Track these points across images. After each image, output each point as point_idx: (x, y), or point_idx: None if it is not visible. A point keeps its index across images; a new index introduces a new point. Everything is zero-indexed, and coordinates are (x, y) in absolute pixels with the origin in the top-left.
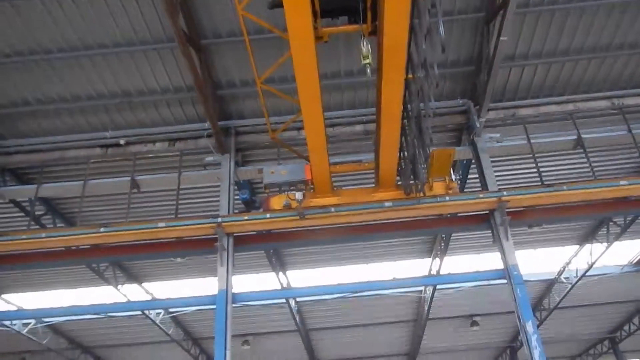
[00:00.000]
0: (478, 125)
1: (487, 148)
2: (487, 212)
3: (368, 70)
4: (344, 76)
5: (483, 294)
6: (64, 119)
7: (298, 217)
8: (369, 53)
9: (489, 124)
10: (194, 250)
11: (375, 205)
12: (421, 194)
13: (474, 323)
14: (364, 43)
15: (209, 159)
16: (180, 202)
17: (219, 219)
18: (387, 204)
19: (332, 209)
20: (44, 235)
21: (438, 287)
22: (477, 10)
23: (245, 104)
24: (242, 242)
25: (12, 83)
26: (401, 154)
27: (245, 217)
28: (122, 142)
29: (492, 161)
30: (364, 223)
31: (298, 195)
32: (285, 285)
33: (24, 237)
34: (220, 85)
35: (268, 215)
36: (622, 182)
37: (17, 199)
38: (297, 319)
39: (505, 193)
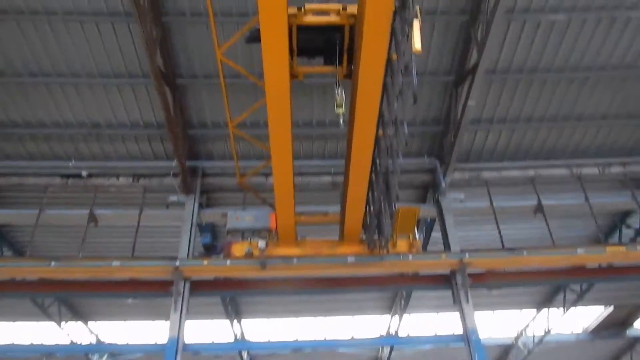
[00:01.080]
0: (443, 185)
1: (451, 208)
2: (448, 272)
3: (341, 120)
4: (316, 126)
5: (441, 355)
6: (26, 144)
7: (259, 267)
8: (343, 102)
9: (454, 183)
10: (147, 292)
11: (339, 259)
12: (385, 251)
13: None
14: (339, 92)
15: (173, 198)
16: (138, 240)
17: (177, 262)
18: (350, 259)
19: (295, 260)
20: None
21: (396, 347)
22: (447, 74)
23: (215, 145)
24: (199, 287)
25: None
26: (367, 209)
27: (205, 262)
28: (84, 173)
29: (456, 220)
30: (325, 276)
31: (261, 243)
32: (239, 336)
33: None
34: (192, 125)
35: (228, 262)
36: (579, 250)
37: None
38: None
39: (467, 255)
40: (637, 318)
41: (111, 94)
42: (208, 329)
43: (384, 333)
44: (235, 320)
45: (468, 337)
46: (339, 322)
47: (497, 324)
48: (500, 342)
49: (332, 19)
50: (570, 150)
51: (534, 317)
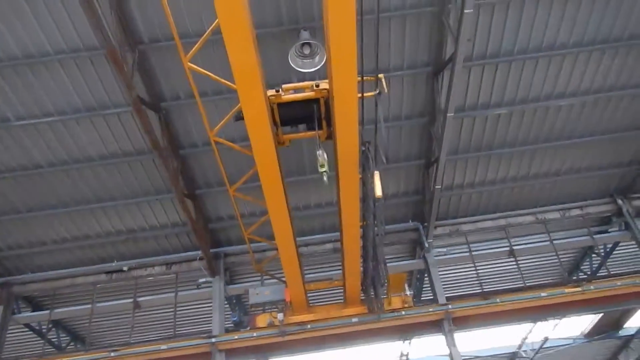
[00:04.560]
0: (427, 245)
1: (436, 262)
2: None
3: (325, 178)
4: (314, 207)
5: None
6: (75, 253)
7: (280, 334)
8: (325, 161)
9: (437, 236)
10: None
11: (344, 321)
12: (381, 310)
13: None
14: (320, 153)
15: (202, 280)
16: (177, 317)
17: (213, 340)
18: (353, 319)
19: (309, 326)
20: None
21: None
22: (419, 158)
23: (232, 232)
24: (233, 354)
25: (31, 230)
26: (363, 276)
27: (236, 337)
28: (125, 268)
29: (440, 269)
30: (335, 333)
31: (280, 316)
32: None
33: None
34: (211, 220)
35: (255, 334)
36: (542, 294)
37: (31, 323)
38: None
39: (450, 307)
40: (628, 319)
41: (143, 208)
42: None
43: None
44: None
45: None
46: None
47: (501, 334)
48: (505, 351)
49: (308, 94)
50: (534, 200)
51: (532, 329)
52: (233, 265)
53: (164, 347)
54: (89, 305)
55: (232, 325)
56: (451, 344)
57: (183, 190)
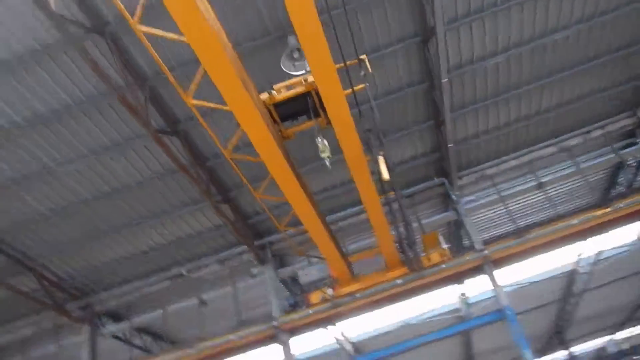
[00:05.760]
0: (454, 197)
1: (467, 211)
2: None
3: (327, 163)
4: (340, 186)
5: None
6: (138, 267)
7: (333, 308)
8: (326, 147)
9: (464, 186)
10: (258, 345)
11: (389, 284)
12: (422, 267)
13: None
14: (319, 140)
15: (254, 270)
16: (239, 306)
17: (274, 322)
18: (398, 281)
19: (357, 295)
20: None
21: None
22: (428, 120)
23: (271, 222)
24: (295, 331)
25: (98, 254)
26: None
27: (295, 316)
28: (184, 272)
29: (473, 215)
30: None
31: (329, 291)
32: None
33: None
34: (249, 216)
35: (311, 311)
36: (573, 222)
37: (117, 333)
38: None
39: (486, 252)
40: None
41: (187, 219)
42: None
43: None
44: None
45: (503, 312)
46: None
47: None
48: (562, 271)
49: (299, 89)
50: (553, 130)
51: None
52: (280, 250)
53: (232, 337)
54: (161, 311)
55: (292, 306)
56: (496, 284)
57: (216, 198)
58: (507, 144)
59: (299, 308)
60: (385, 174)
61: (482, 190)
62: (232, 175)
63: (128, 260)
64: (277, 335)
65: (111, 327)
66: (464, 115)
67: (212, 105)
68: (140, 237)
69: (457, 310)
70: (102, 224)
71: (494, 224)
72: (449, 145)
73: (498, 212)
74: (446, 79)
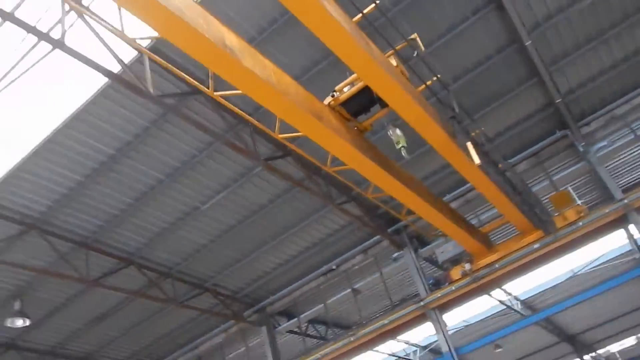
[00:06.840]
0: (581, 149)
1: (599, 158)
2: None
3: (404, 153)
4: (433, 175)
5: None
6: (293, 270)
7: (474, 281)
8: (400, 137)
9: (594, 132)
10: (410, 328)
11: (527, 250)
12: (555, 229)
13: None
14: (390, 133)
15: (395, 254)
16: (389, 289)
17: (422, 302)
18: (535, 245)
19: (496, 265)
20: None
21: None
22: (530, 78)
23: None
24: (443, 307)
25: (257, 266)
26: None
27: (439, 295)
28: (334, 267)
29: (608, 162)
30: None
31: (467, 265)
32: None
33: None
34: (377, 207)
35: (453, 288)
36: None
37: (291, 329)
38: None
39: (626, 201)
40: None
41: (320, 222)
42: None
43: None
44: None
45: None
46: None
47: None
48: None
49: (360, 85)
50: None
51: None
52: (417, 231)
53: (385, 321)
54: (322, 304)
55: (434, 285)
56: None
57: (341, 200)
58: (627, 80)
59: (443, 285)
60: (477, 159)
61: (615, 132)
62: (347, 176)
63: (283, 266)
64: (427, 314)
65: (284, 325)
66: (564, 66)
67: (295, 135)
68: (287, 245)
69: (630, 252)
70: (250, 241)
71: (633, 168)
72: (557, 101)
73: (634, 154)
74: (529, 42)
